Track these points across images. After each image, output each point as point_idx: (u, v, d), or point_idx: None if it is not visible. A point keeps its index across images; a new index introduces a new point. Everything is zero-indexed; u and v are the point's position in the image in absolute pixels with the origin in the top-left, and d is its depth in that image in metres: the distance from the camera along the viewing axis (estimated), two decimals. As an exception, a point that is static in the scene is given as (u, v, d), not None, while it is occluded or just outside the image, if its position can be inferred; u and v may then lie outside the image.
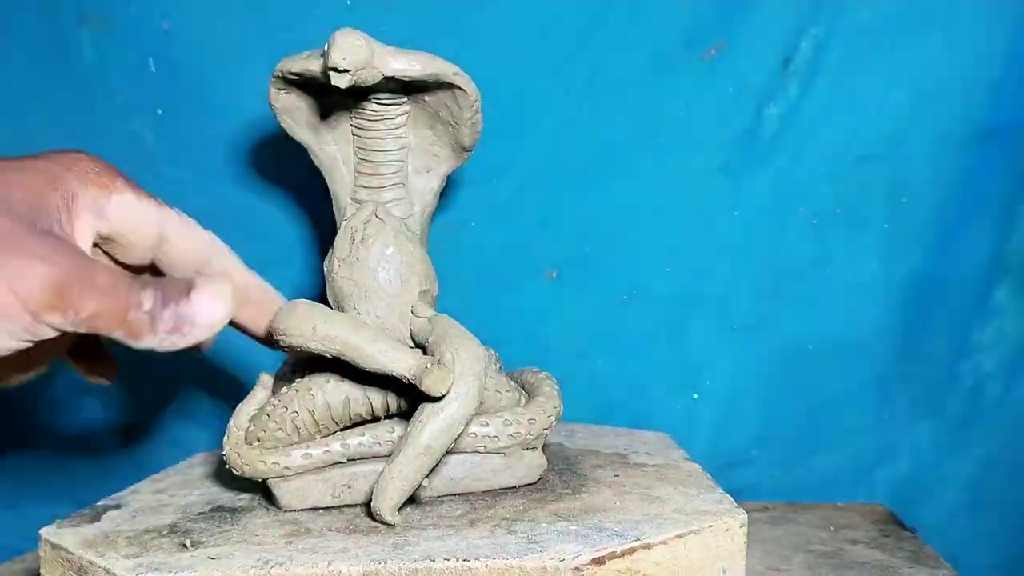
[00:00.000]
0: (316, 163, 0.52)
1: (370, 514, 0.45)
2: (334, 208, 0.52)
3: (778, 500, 0.69)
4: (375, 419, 0.48)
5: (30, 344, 0.37)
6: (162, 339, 0.38)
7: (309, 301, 0.44)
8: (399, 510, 0.43)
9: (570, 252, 0.70)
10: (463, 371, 0.42)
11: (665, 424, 0.66)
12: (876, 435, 0.71)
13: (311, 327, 0.43)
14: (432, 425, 0.41)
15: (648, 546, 0.41)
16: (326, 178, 0.52)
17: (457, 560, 0.39)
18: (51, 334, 0.37)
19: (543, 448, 0.50)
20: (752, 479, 0.72)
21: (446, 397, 0.41)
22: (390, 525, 0.43)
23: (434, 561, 0.39)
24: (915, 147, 0.66)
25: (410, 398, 0.46)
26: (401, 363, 0.42)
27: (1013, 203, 0.67)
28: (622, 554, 0.40)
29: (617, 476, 0.50)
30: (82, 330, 0.37)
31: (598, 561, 0.39)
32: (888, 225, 0.68)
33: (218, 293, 0.39)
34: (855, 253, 0.68)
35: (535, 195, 0.69)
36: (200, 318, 0.38)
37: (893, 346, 0.69)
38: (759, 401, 0.71)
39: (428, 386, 0.41)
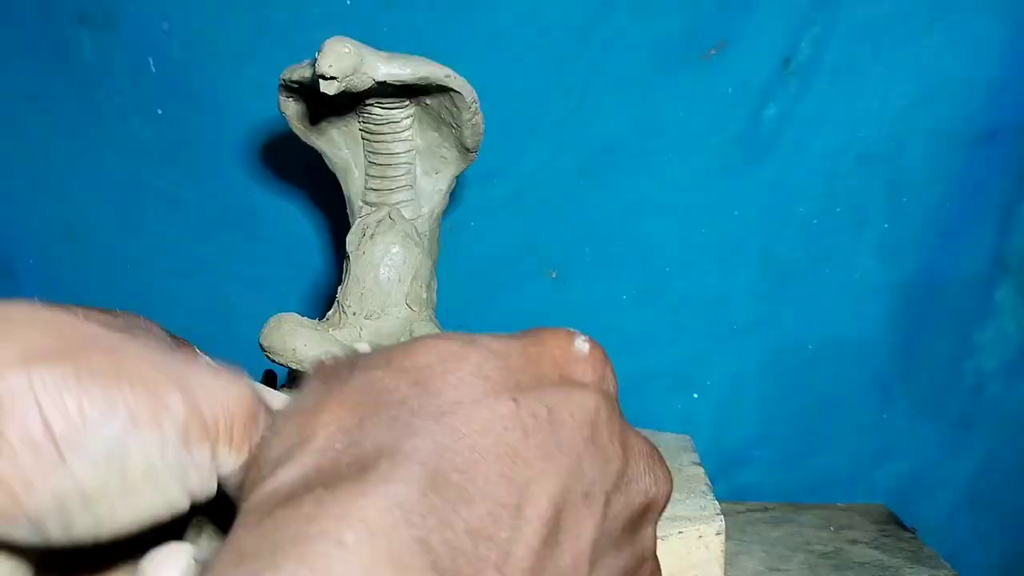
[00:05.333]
0: (330, 167, 0.52)
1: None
2: (348, 211, 0.52)
3: (778, 500, 0.69)
4: None
5: None
6: None
7: (295, 317, 0.44)
8: None
9: (570, 252, 0.70)
10: None
11: (665, 424, 0.66)
12: (876, 435, 0.71)
13: (291, 348, 0.43)
14: None
15: None
16: (340, 181, 0.52)
17: None
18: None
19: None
20: (752, 479, 0.72)
21: None
22: None
23: None
24: (915, 147, 0.66)
25: None
26: None
27: (1013, 203, 0.67)
28: None
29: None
30: None
31: None
32: (888, 225, 0.68)
33: None
34: (855, 253, 0.68)
35: (535, 195, 0.69)
36: None
37: (893, 346, 0.69)
38: (759, 401, 0.71)
39: None
